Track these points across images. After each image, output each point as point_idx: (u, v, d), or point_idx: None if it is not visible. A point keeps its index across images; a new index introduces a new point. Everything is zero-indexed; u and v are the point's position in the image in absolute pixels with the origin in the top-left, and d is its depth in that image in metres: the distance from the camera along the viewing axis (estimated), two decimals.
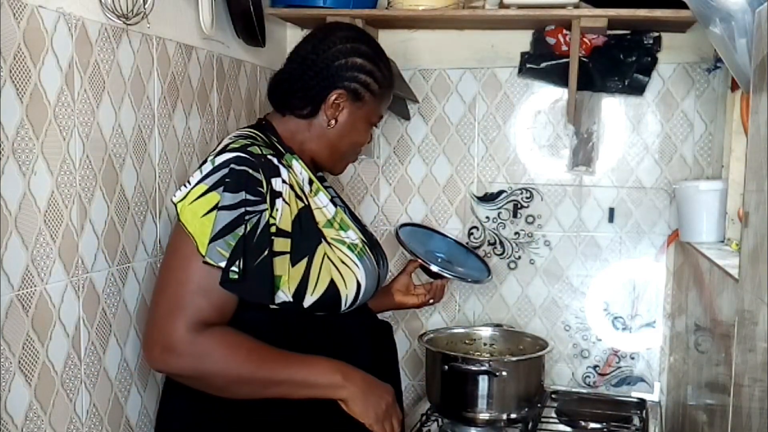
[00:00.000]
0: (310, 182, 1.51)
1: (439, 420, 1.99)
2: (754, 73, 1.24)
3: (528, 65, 2.21)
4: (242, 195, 1.35)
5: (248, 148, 1.40)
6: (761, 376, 1.11)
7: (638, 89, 2.17)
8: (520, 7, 2.02)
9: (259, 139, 1.47)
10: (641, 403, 2.16)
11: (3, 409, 1.21)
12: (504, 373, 1.84)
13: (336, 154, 1.57)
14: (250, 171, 1.37)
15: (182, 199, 1.37)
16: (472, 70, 2.28)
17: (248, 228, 1.34)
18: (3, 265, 1.19)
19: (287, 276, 1.39)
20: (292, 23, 2.29)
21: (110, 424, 1.49)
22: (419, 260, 1.84)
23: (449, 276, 1.90)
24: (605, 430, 1.98)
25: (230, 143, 1.43)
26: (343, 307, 1.46)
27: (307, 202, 1.46)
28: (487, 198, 2.31)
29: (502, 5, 2.05)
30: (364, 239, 1.56)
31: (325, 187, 1.61)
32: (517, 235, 2.30)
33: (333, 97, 1.50)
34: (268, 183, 1.38)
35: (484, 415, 1.88)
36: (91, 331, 1.42)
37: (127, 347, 1.54)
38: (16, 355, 1.23)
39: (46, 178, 1.28)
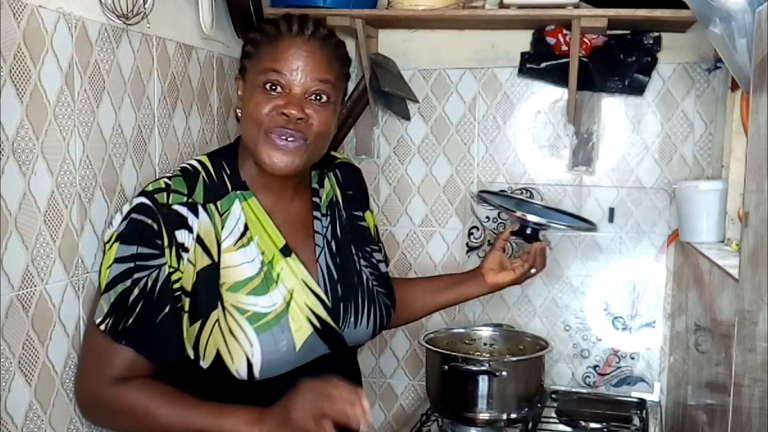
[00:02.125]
0: (245, 230, 1.39)
1: (439, 420, 1.99)
2: (754, 73, 1.24)
3: (528, 65, 2.21)
4: (134, 249, 1.31)
5: (155, 195, 1.33)
6: (761, 376, 1.11)
7: (638, 89, 2.17)
8: (520, 7, 2.02)
9: (201, 174, 1.40)
10: (641, 403, 2.16)
11: (3, 409, 1.21)
12: (504, 373, 1.84)
13: (248, 136, 1.39)
14: (149, 222, 1.31)
15: (107, 241, 1.35)
16: (472, 70, 2.28)
17: (149, 284, 1.31)
18: (3, 265, 1.19)
19: (187, 334, 1.35)
20: None
21: None
22: (517, 214, 1.66)
23: (556, 225, 1.70)
24: (605, 430, 1.97)
25: (152, 182, 1.39)
26: (244, 378, 1.34)
27: (216, 260, 1.35)
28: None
29: (502, 5, 2.05)
30: (323, 299, 1.42)
31: (336, 211, 1.53)
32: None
33: (237, 89, 1.46)
34: (171, 235, 1.32)
35: (484, 415, 1.88)
36: None
37: None
38: (16, 355, 1.23)
39: (46, 178, 1.28)
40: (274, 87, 1.36)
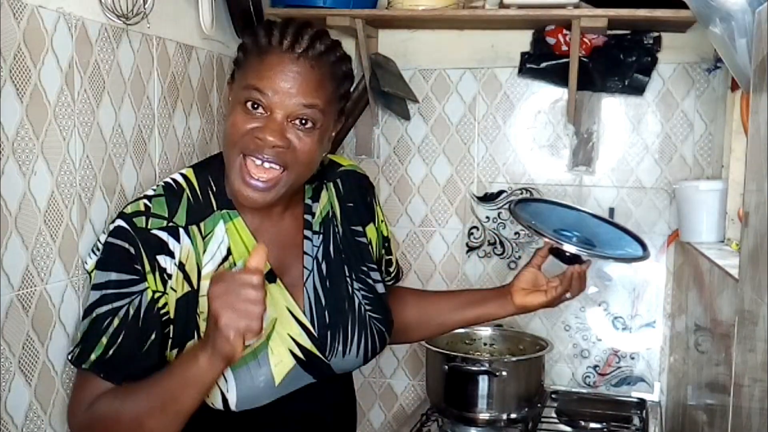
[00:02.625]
0: (228, 254, 1.30)
1: (439, 420, 1.99)
2: (754, 73, 1.24)
3: (528, 65, 2.21)
4: (109, 275, 1.23)
5: (134, 218, 1.25)
6: (761, 376, 1.11)
7: (638, 89, 2.17)
8: (520, 7, 2.02)
9: (185, 192, 1.31)
10: (641, 403, 2.16)
11: (3, 409, 1.21)
12: (504, 373, 1.84)
13: (225, 154, 1.30)
14: (126, 246, 1.23)
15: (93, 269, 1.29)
16: (472, 70, 2.28)
17: (131, 312, 1.22)
18: (3, 265, 1.19)
19: (168, 357, 1.29)
20: None
21: None
22: (546, 239, 1.50)
23: (599, 255, 1.54)
24: (605, 430, 1.98)
25: (132, 202, 1.30)
26: (221, 409, 1.27)
27: (195, 287, 1.27)
28: (487, 198, 2.31)
29: (502, 5, 2.05)
30: (308, 328, 1.33)
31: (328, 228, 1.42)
32: (517, 235, 2.30)
33: (228, 95, 1.35)
34: (153, 259, 1.24)
35: (484, 415, 1.88)
36: None
37: None
38: (16, 355, 1.23)
39: (46, 178, 1.28)
40: (255, 106, 1.25)
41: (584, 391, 2.28)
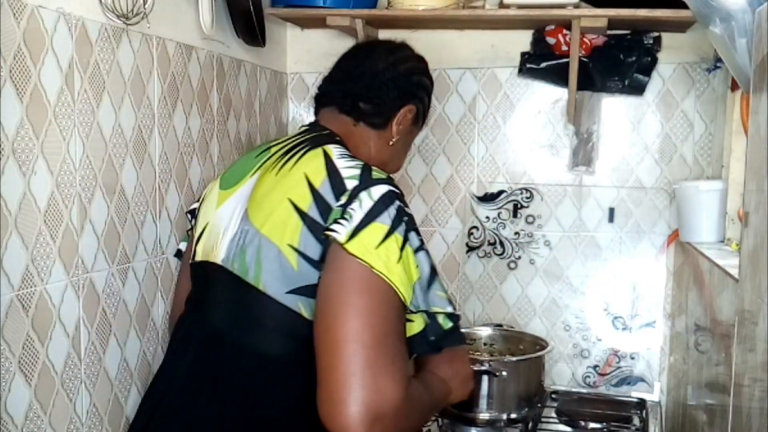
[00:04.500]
0: None
1: (439, 420, 1.99)
2: (754, 73, 1.24)
3: (528, 65, 2.21)
4: (420, 237, 1.25)
5: (389, 180, 1.26)
6: (761, 376, 1.11)
7: (638, 89, 2.17)
8: (520, 7, 2.02)
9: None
10: (641, 403, 2.16)
11: (3, 409, 1.21)
12: (504, 373, 1.84)
13: (391, 163, 1.50)
14: (410, 211, 1.26)
15: (351, 238, 1.15)
16: (472, 70, 2.28)
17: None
18: (3, 265, 1.19)
19: None
20: (292, 23, 2.30)
21: (110, 424, 1.49)
22: None
23: None
24: (605, 430, 1.97)
25: (371, 170, 1.25)
26: None
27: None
28: (487, 198, 2.31)
29: (502, 5, 2.05)
30: None
31: None
32: (517, 235, 2.30)
33: (405, 112, 1.44)
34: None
35: (484, 415, 1.88)
36: (91, 331, 1.42)
37: (127, 347, 1.54)
38: (16, 355, 1.23)
39: (46, 178, 1.28)
40: None
41: (584, 391, 2.28)
